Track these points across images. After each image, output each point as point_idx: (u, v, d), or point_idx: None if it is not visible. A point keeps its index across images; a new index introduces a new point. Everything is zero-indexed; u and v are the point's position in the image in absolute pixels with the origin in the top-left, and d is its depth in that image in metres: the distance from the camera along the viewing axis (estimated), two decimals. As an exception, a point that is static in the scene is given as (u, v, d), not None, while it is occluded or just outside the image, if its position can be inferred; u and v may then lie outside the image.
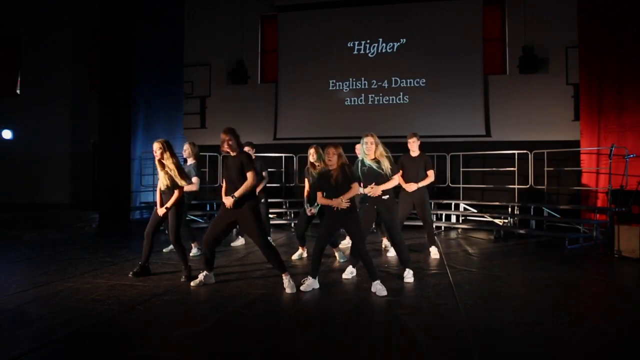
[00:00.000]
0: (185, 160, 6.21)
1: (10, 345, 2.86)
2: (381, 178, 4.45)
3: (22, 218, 9.97)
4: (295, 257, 5.78)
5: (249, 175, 4.12)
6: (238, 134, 4.27)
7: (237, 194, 4.11)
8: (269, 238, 6.55)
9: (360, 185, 4.48)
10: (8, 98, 13.08)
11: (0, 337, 3.01)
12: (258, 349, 2.84)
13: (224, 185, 4.33)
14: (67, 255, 5.87)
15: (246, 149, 6.12)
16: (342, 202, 4.06)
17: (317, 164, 5.37)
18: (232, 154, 4.24)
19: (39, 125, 12.65)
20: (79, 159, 12.45)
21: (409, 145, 5.83)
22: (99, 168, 10.46)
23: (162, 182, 4.66)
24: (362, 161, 4.58)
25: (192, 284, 4.36)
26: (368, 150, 4.48)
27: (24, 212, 10.66)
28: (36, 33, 12.86)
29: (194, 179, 5.81)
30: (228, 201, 4.13)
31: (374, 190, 4.46)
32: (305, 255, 5.81)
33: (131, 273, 4.69)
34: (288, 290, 4.12)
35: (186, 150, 6.14)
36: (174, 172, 4.59)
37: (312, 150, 5.47)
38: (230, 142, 4.17)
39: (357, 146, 5.84)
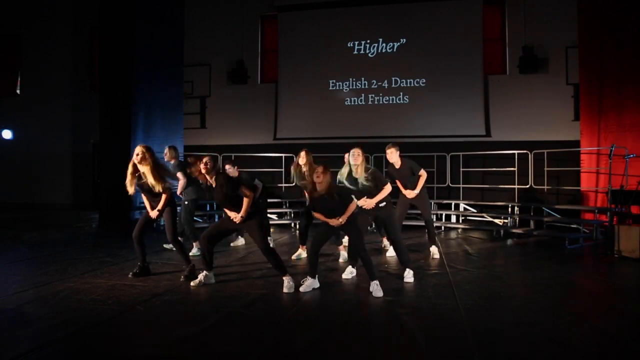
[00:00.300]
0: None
1: (10, 345, 2.86)
2: (364, 190, 4.50)
3: (22, 218, 9.97)
4: (294, 257, 5.79)
5: (245, 193, 4.12)
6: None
7: (242, 213, 4.13)
8: (269, 238, 6.58)
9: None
10: (8, 98, 13.07)
11: (0, 337, 3.01)
12: (258, 349, 2.84)
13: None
14: (67, 255, 5.87)
15: (227, 166, 6.11)
16: (339, 222, 4.09)
17: (304, 168, 5.50)
18: (210, 177, 4.18)
19: (39, 125, 12.65)
20: (79, 159, 12.45)
21: (388, 157, 5.61)
22: (99, 168, 10.45)
23: (128, 185, 4.53)
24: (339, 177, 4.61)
25: (192, 284, 4.36)
26: (355, 161, 4.49)
27: (24, 212, 10.65)
28: (36, 33, 12.86)
29: (179, 174, 5.86)
30: (237, 219, 4.16)
31: (367, 204, 4.50)
32: (304, 255, 5.81)
33: (131, 274, 4.69)
34: (285, 291, 4.13)
35: (167, 154, 6.24)
36: (150, 178, 4.48)
37: (302, 154, 5.59)
38: (209, 165, 4.14)
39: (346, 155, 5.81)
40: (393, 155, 5.57)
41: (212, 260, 4.47)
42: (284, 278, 4.23)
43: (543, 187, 8.63)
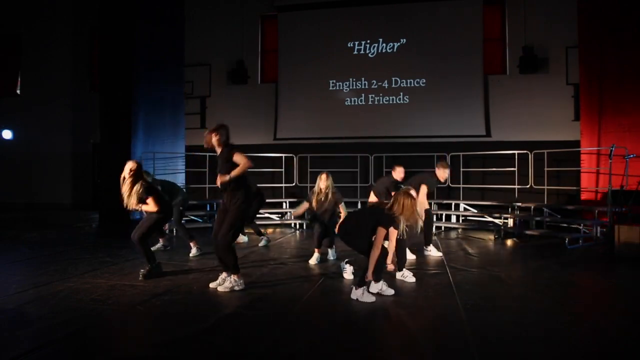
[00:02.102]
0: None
1: (10, 345, 2.86)
2: None
3: (22, 218, 9.97)
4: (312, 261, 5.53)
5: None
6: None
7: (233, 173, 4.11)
8: (263, 238, 6.54)
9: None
10: (8, 98, 13.06)
11: (0, 337, 3.01)
12: (258, 349, 2.84)
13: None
14: (67, 255, 5.87)
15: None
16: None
17: (323, 191, 5.47)
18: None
19: (39, 125, 12.64)
20: (79, 159, 12.44)
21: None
22: (99, 168, 10.45)
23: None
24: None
25: (219, 289, 4.17)
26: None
27: (24, 212, 10.66)
28: (36, 33, 12.85)
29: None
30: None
31: None
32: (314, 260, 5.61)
33: (141, 276, 4.64)
34: (220, 289, 4.13)
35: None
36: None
37: (324, 176, 5.53)
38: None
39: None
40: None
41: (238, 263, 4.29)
42: (232, 276, 4.15)
43: (543, 187, 8.63)
